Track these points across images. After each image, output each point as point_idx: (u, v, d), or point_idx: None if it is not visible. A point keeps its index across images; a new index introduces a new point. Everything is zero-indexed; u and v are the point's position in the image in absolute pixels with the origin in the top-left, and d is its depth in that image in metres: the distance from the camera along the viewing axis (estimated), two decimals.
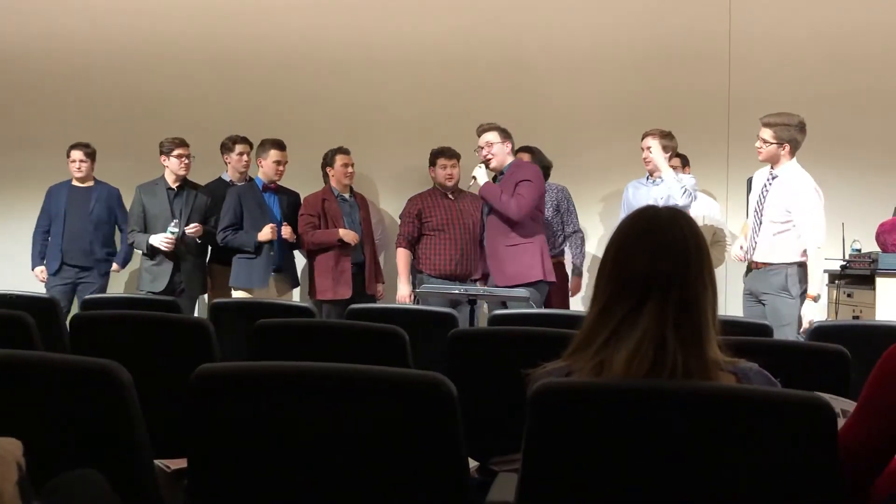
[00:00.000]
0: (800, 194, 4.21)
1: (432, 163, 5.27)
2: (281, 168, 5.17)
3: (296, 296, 5.63)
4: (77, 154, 5.44)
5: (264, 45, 6.21)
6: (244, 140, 5.39)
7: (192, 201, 5.25)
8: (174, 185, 5.24)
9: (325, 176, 5.36)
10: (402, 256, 5.20)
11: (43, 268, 5.46)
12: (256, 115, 5.92)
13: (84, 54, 6.28)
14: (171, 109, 6.09)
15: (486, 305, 4.99)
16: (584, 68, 5.99)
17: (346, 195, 5.31)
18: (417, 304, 4.86)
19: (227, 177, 5.46)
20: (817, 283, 4.34)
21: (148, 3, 6.28)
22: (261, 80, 6.19)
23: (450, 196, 5.22)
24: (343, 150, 5.29)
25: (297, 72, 6.19)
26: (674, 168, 5.00)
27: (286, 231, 5.07)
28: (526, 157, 5.13)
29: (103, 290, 5.40)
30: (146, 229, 5.19)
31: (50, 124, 6.14)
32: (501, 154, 4.74)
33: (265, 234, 5.00)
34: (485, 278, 5.06)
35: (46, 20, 6.34)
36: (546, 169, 5.23)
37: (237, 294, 5.03)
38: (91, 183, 5.52)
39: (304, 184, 5.46)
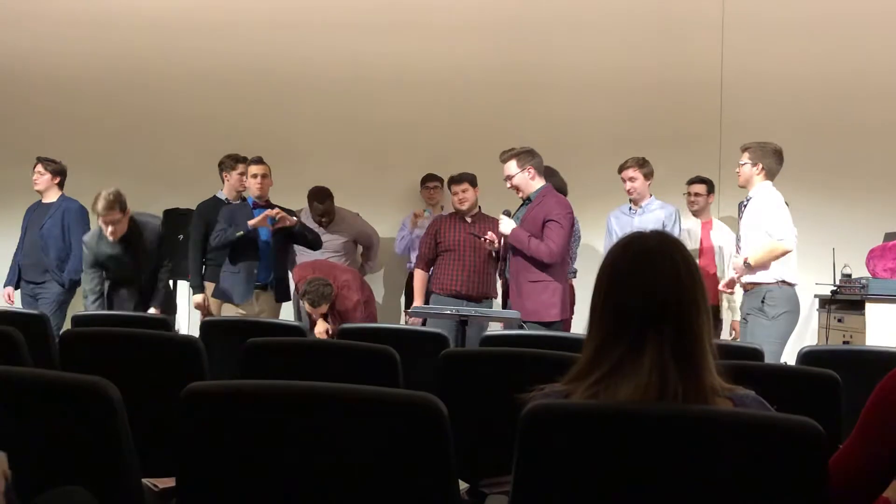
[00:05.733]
0: (762, 205, 4.35)
1: (449, 189, 5.35)
2: (258, 182, 5.01)
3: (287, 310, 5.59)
4: (38, 168, 5.35)
5: (267, 65, 6.24)
6: (244, 159, 5.28)
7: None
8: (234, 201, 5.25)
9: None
10: (418, 277, 5.29)
11: (10, 288, 5.38)
12: (258, 134, 5.93)
13: (84, 70, 6.31)
14: (173, 127, 6.10)
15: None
16: (585, 95, 6.06)
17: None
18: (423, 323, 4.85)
19: (221, 195, 5.38)
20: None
21: (156, 20, 6.31)
22: (265, 98, 6.21)
23: (467, 219, 5.24)
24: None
25: (301, 92, 6.21)
26: (698, 195, 5.48)
27: (274, 211, 4.92)
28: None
29: (61, 305, 5.25)
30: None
31: (49, 141, 6.10)
32: (524, 182, 4.61)
33: (258, 220, 4.90)
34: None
35: (41, 37, 6.36)
36: (562, 192, 5.19)
37: (224, 309, 4.98)
38: (54, 199, 5.39)
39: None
